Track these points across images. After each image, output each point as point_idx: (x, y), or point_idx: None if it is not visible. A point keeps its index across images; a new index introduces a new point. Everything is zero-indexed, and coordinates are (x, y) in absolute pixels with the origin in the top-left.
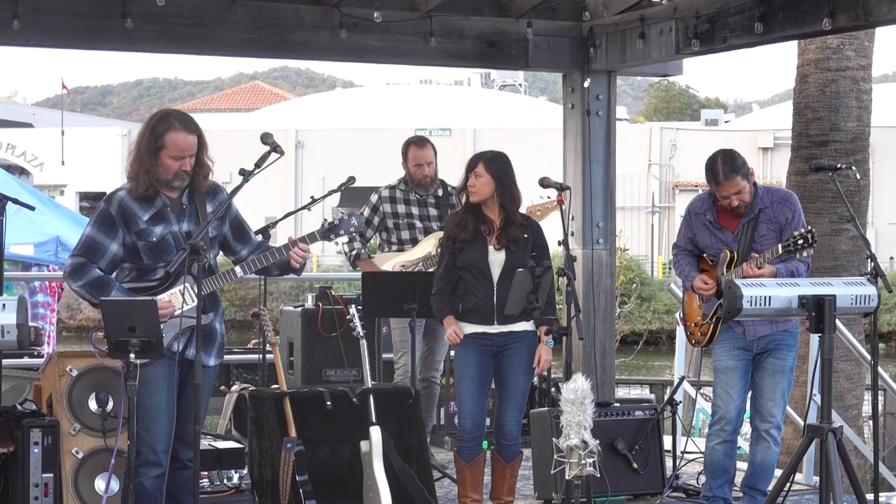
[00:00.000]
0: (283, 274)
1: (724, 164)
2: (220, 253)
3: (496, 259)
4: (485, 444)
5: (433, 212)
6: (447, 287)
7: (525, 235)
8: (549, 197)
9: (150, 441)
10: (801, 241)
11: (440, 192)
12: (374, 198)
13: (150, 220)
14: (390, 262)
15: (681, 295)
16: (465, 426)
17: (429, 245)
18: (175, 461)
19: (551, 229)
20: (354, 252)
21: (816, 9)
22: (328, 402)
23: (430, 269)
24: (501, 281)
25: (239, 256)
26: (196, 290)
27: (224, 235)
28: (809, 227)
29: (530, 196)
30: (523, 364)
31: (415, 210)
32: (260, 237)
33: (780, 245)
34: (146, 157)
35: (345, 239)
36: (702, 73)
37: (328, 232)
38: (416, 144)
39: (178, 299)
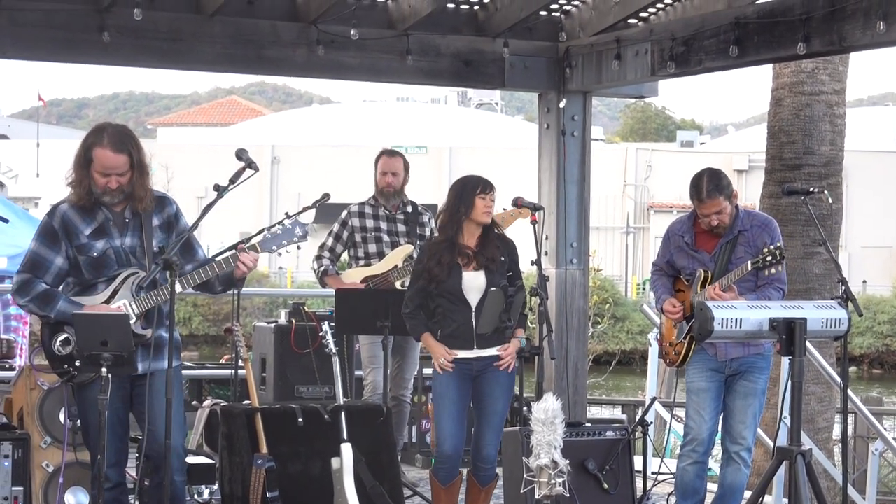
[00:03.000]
0: (225, 290)
1: (709, 182)
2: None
3: (475, 284)
4: None
5: (402, 227)
6: (419, 308)
7: (503, 258)
8: (513, 206)
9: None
10: (769, 258)
11: (409, 209)
12: (343, 214)
13: (92, 235)
14: (357, 276)
15: (654, 316)
16: (445, 449)
17: (397, 258)
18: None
19: (525, 248)
20: (322, 269)
21: (791, 33)
22: (300, 419)
23: (398, 282)
24: (479, 305)
25: (182, 272)
26: (140, 306)
27: None
28: (778, 244)
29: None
30: (502, 387)
31: (383, 225)
32: (206, 255)
33: (749, 262)
34: (78, 169)
35: (288, 249)
36: (678, 94)
37: (269, 243)
38: (388, 154)
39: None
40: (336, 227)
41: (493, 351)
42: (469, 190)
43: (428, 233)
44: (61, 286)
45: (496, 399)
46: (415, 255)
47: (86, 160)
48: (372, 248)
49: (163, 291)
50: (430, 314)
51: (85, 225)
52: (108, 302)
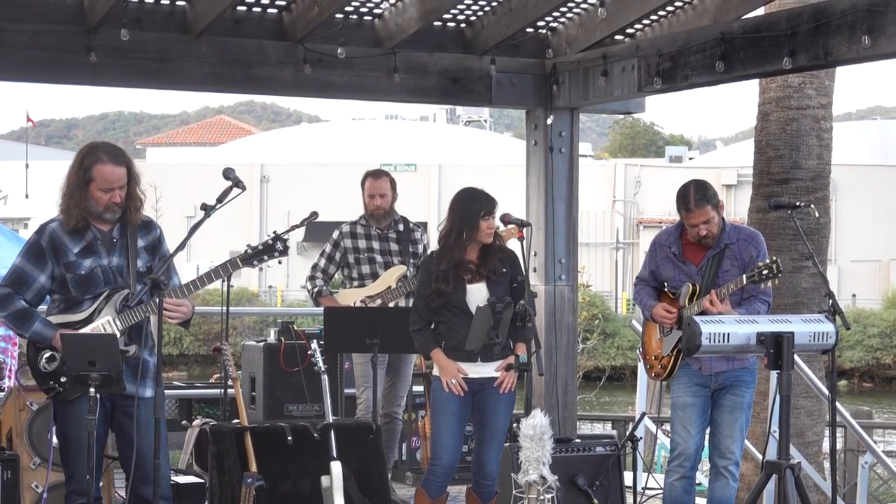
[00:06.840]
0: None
1: (696, 192)
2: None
3: (478, 296)
4: None
5: (394, 247)
6: (428, 324)
7: (504, 269)
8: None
9: (78, 473)
10: (765, 272)
11: (401, 228)
12: (335, 234)
13: (80, 253)
14: (352, 297)
15: (641, 330)
16: (442, 461)
17: (390, 279)
18: (143, 502)
19: None
20: (316, 290)
21: (777, 48)
22: (289, 437)
23: (391, 303)
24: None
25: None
26: (123, 322)
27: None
28: (774, 258)
29: None
30: (504, 402)
31: (376, 245)
32: (179, 281)
33: (744, 276)
34: (76, 191)
35: (269, 263)
36: (666, 110)
37: (251, 258)
38: (373, 176)
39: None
40: (328, 247)
41: (492, 371)
42: (473, 214)
43: (421, 249)
44: (41, 305)
45: (499, 414)
46: (408, 275)
47: (84, 181)
48: (365, 268)
49: (145, 308)
50: (433, 327)
51: (73, 244)
52: (90, 319)
